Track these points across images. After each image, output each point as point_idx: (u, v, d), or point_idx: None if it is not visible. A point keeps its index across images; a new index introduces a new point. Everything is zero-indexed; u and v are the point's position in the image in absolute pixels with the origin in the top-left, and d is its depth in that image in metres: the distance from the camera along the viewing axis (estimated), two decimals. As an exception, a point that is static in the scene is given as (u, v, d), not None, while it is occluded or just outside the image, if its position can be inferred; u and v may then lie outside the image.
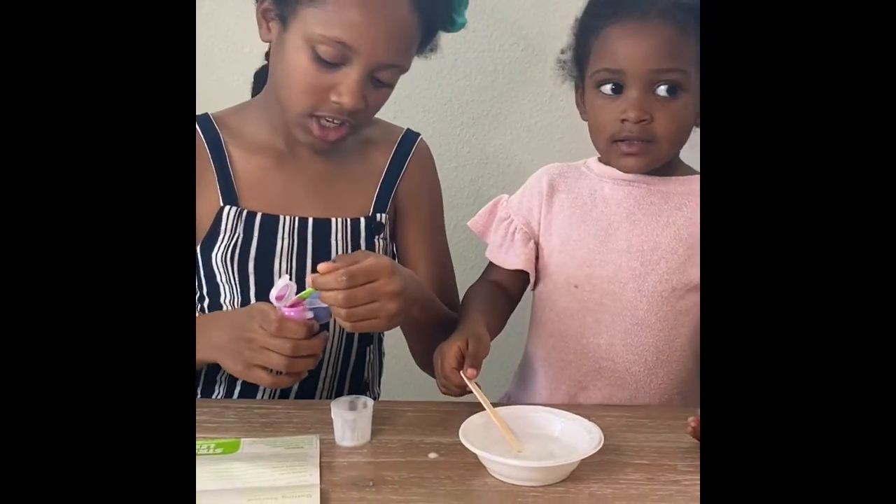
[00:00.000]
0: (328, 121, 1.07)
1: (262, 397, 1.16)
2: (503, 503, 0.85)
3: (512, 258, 1.16)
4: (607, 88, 1.06)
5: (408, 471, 0.91)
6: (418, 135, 1.25)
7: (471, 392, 0.98)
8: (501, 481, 0.89)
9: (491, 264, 1.20)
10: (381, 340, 1.31)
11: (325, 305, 0.96)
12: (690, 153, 1.11)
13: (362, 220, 1.17)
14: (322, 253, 1.15)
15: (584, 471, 0.90)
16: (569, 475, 0.89)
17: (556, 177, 1.17)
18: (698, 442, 0.96)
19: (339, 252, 1.15)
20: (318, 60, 1.03)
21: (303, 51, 1.03)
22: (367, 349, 1.24)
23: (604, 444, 0.91)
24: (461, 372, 0.97)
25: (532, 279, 1.17)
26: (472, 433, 0.92)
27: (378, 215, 1.19)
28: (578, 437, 0.94)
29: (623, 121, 1.06)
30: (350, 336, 1.20)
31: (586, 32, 1.10)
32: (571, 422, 0.96)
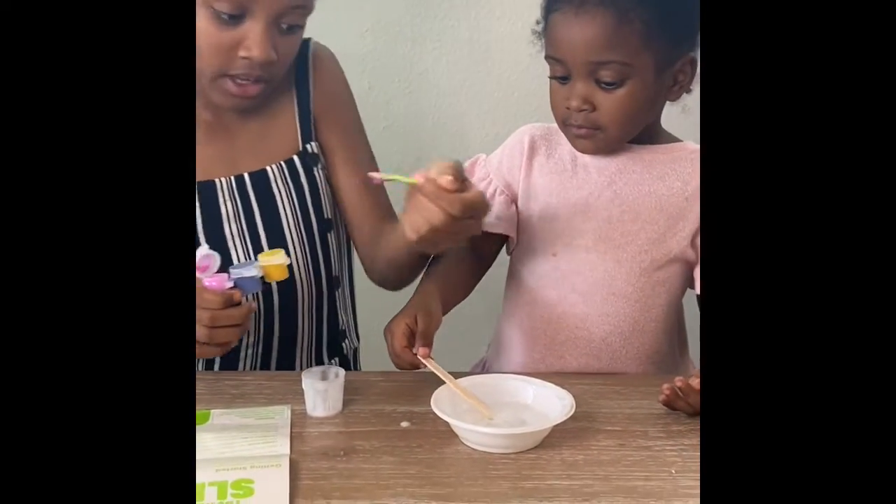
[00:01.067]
0: (243, 79, 1.04)
1: (243, 368, 1.16)
2: (475, 470, 0.84)
3: (493, 220, 1.14)
4: (556, 73, 1.05)
5: (379, 440, 0.90)
6: (308, 40, 1.17)
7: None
8: (473, 449, 0.88)
9: None
10: (351, 283, 1.29)
11: (252, 276, 0.96)
12: (685, 120, 1.09)
13: (295, 157, 1.15)
14: (267, 206, 1.12)
15: (556, 437, 0.90)
16: (540, 442, 0.89)
17: (537, 137, 1.14)
18: (671, 409, 0.96)
19: (286, 203, 1.14)
20: (218, 18, 0.99)
21: (201, 11, 0.99)
22: (336, 294, 1.22)
23: (576, 412, 0.90)
24: (413, 350, 0.98)
25: (514, 239, 1.16)
26: (444, 402, 0.92)
27: (308, 146, 1.16)
28: (550, 404, 0.94)
29: (568, 108, 1.04)
30: (318, 283, 1.18)
31: (543, 13, 1.08)
32: (543, 389, 0.96)
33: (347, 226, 1.21)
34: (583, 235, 1.10)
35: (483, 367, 1.22)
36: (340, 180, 1.19)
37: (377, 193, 1.20)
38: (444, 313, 1.07)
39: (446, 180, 0.88)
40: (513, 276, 1.18)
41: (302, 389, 0.96)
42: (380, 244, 1.15)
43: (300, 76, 1.17)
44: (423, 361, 0.97)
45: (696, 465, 0.85)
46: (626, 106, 1.03)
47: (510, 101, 1.67)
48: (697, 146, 1.10)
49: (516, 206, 1.14)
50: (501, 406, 0.95)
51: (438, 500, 0.79)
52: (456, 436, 0.91)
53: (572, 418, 0.90)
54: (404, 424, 0.94)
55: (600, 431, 0.93)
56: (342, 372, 0.97)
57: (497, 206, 1.13)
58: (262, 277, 0.99)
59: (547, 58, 1.05)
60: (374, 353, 1.43)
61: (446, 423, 0.90)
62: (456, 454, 0.88)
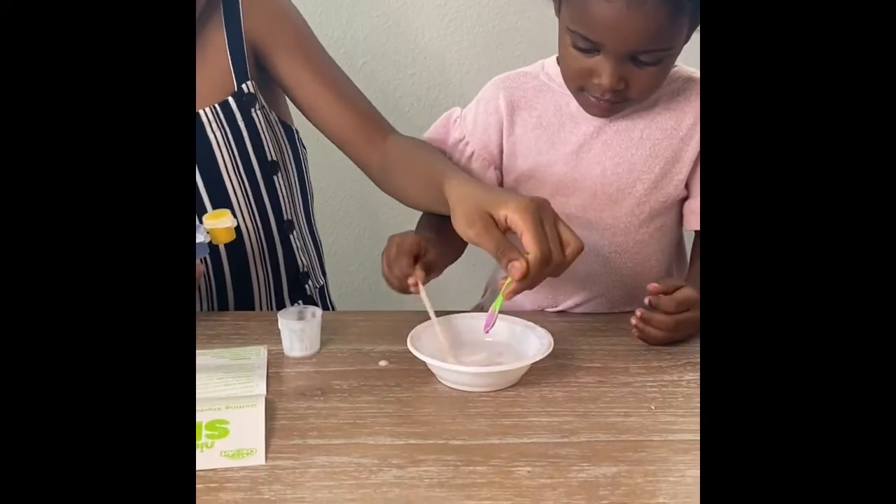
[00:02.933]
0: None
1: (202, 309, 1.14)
2: (453, 409, 0.84)
3: None
4: (579, 46, 0.95)
5: (357, 379, 0.89)
6: None
7: (412, 293, 0.94)
8: (452, 388, 0.87)
9: None
10: (309, 223, 1.26)
11: (199, 241, 0.94)
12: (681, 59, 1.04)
13: (230, 99, 1.09)
14: (204, 153, 1.08)
15: (535, 375, 0.89)
16: (519, 380, 0.88)
17: (513, 91, 1.07)
18: (648, 345, 0.95)
19: (223, 148, 1.09)
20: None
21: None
22: (291, 237, 1.19)
23: (556, 349, 0.90)
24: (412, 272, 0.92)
25: None
26: (421, 340, 0.91)
27: (244, 86, 1.10)
28: (529, 342, 0.93)
29: (595, 83, 0.97)
30: (267, 230, 1.15)
31: None
32: (522, 328, 0.95)
33: (342, 148, 1.15)
34: (576, 194, 1.06)
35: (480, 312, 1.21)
36: (314, 105, 1.12)
37: (357, 102, 1.13)
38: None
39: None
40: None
41: (278, 330, 0.94)
42: (403, 183, 1.08)
43: (230, 12, 1.10)
44: (418, 286, 0.92)
45: (676, 401, 0.85)
46: (658, 80, 0.99)
47: (492, 35, 1.63)
48: (688, 71, 1.06)
49: (497, 170, 1.10)
50: (480, 345, 0.94)
51: (416, 439, 0.78)
52: (434, 375, 0.90)
53: (552, 355, 0.89)
54: (382, 364, 0.93)
55: (580, 368, 0.92)
56: (319, 312, 0.95)
57: (475, 172, 1.08)
58: (209, 242, 0.96)
59: (572, 31, 0.95)
60: (345, 292, 1.42)
61: (424, 363, 0.89)
62: (434, 393, 0.87)
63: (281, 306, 1.18)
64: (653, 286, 0.93)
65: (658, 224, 1.07)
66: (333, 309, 1.28)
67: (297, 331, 0.93)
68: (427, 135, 1.14)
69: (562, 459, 0.75)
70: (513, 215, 0.84)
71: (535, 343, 0.91)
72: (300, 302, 1.21)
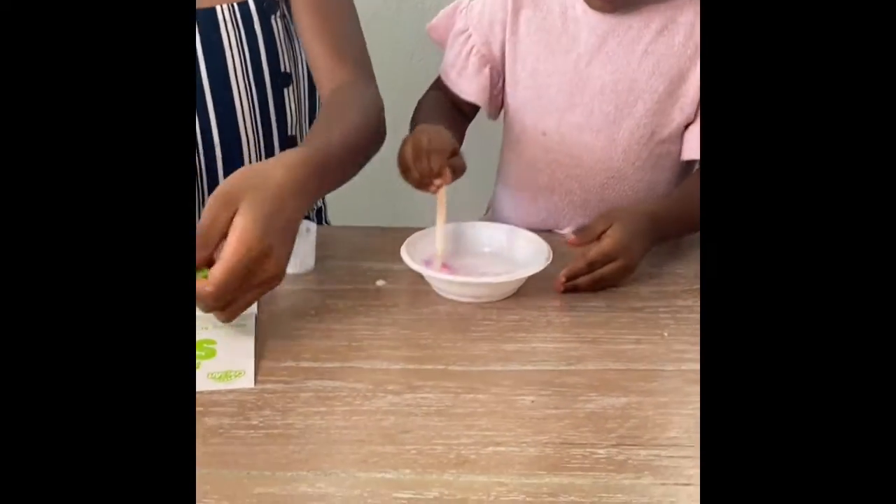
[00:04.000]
0: None
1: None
2: (454, 332, 0.79)
3: (464, 84, 1.04)
4: None
5: (353, 299, 0.85)
6: None
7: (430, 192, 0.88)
8: (452, 309, 0.83)
9: None
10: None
11: None
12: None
13: (250, 1, 1.01)
14: (213, 52, 1.00)
15: (540, 298, 0.85)
16: (520, 297, 0.85)
17: None
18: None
19: (235, 51, 1.00)
20: None
21: None
22: None
23: (561, 272, 0.85)
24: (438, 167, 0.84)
25: (487, 110, 1.06)
26: (416, 248, 0.87)
27: None
28: (528, 253, 0.89)
29: None
30: (269, 143, 1.07)
31: None
32: (524, 240, 0.91)
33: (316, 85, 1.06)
34: (573, 111, 0.99)
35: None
36: (296, 20, 1.04)
37: (339, 37, 1.03)
38: None
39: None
40: (504, 156, 1.10)
41: (271, 245, 0.89)
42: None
43: None
44: (441, 188, 0.85)
45: (690, 328, 0.80)
46: None
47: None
48: None
49: (498, 73, 1.03)
50: (481, 256, 0.91)
51: (414, 363, 0.74)
52: (434, 294, 0.85)
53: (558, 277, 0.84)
54: (380, 283, 0.88)
55: (588, 293, 0.87)
56: (314, 227, 0.90)
57: (471, 67, 1.02)
58: None
59: None
60: (342, 203, 1.35)
61: (426, 283, 0.85)
62: (434, 315, 0.82)
63: None
64: (570, 239, 0.89)
65: (662, 151, 1.01)
66: (327, 223, 1.22)
67: (291, 247, 0.88)
68: (432, 22, 1.08)
69: (568, 389, 0.71)
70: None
71: (535, 254, 0.88)
72: None
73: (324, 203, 1.22)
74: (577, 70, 0.99)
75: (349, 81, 0.98)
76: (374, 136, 0.93)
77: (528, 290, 0.86)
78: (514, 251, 0.91)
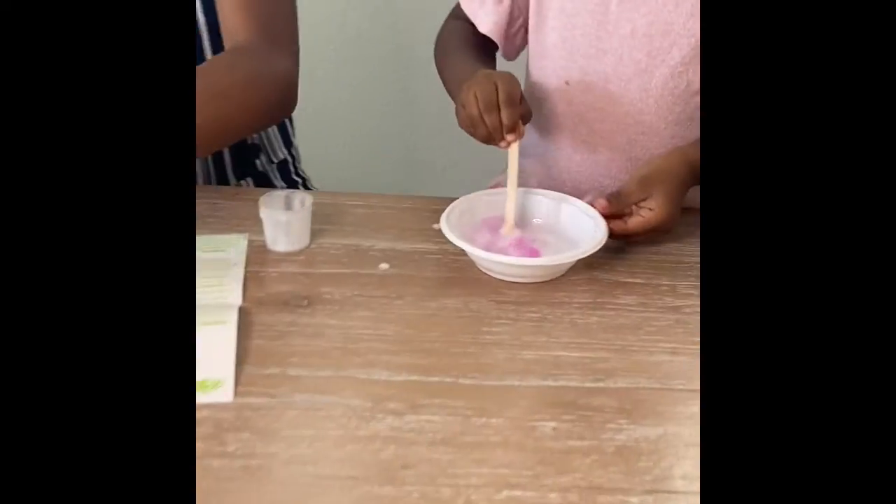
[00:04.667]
0: None
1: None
2: (465, 334, 0.69)
3: (482, 16, 0.93)
4: None
5: (351, 287, 0.75)
6: None
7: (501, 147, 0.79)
8: (463, 304, 0.73)
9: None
10: None
11: None
12: None
13: None
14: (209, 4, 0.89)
15: (565, 290, 0.75)
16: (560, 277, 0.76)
17: None
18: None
19: None
20: None
21: None
22: None
23: (589, 258, 0.75)
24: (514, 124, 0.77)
25: (503, 49, 0.95)
26: (457, 221, 0.78)
27: None
28: (579, 226, 0.81)
29: None
30: None
31: None
32: (573, 210, 0.83)
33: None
34: (600, 58, 0.88)
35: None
36: None
37: (260, 5, 0.88)
38: None
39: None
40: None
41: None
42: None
43: None
44: (516, 137, 0.78)
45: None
46: None
47: None
48: None
49: (516, 6, 0.92)
50: (531, 228, 0.84)
51: (419, 374, 0.65)
52: (446, 287, 0.75)
53: (585, 265, 0.75)
54: (383, 267, 0.78)
55: (618, 285, 0.77)
56: (309, 200, 0.79)
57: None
58: None
59: None
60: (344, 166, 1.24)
61: (435, 268, 0.75)
62: (443, 310, 0.72)
63: (223, 182, 1.00)
64: (601, 205, 0.80)
65: (698, 104, 0.89)
66: (307, 188, 1.10)
67: (283, 223, 0.78)
68: None
69: (595, 413, 0.62)
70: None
71: (585, 229, 0.80)
72: (248, 181, 1.03)
73: (294, 157, 1.10)
74: (605, 10, 0.86)
75: (250, 44, 0.85)
76: (254, 110, 0.83)
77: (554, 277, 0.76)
78: (560, 222, 0.83)
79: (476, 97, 0.77)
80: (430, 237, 0.81)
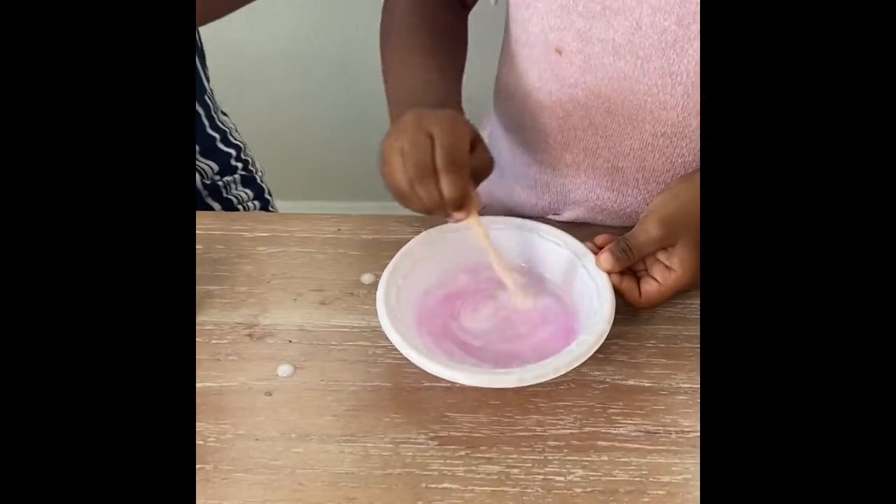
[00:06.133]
0: None
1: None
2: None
3: None
4: None
5: (228, 416, 0.52)
6: None
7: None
8: (395, 450, 0.51)
9: None
10: None
11: None
12: None
13: None
14: None
15: (539, 404, 0.52)
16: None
17: None
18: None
19: None
20: None
21: None
22: None
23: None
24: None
25: None
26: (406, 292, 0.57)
27: None
28: (584, 299, 0.57)
29: None
30: None
31: None
32: (567, 254, 0.59)
33: None
34: (608, 20, 0.59)
35: None
36: None
37: None
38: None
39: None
40: (502, 74, 0.71)
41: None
42: None
43: None
44: (464, 216, 0.54)
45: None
46: None
47: None
48: None
49: None
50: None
51: None
52: (370, 411, 0.53)
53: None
54: (283, 371, 0.55)
55: (617, 392, 0.54)
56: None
57: None
58: None
59: None
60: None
61: (359, 368, 0.52)
62: (361, 460, 0.51)
63: None
64: (602, 259, 0.57)
65: None
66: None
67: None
68: None
69: None
70: None
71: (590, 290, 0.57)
72: None
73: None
74: None
75: None
76: None
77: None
78: (538, 263, 0.61)
79: (401, 158, 0.51)
80: (358, 300, 0.59)
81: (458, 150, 0.51)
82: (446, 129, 0.52)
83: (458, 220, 0.54)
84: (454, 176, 0.50)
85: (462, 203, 0.52)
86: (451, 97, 0.60)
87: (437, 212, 0.53)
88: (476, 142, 0.54)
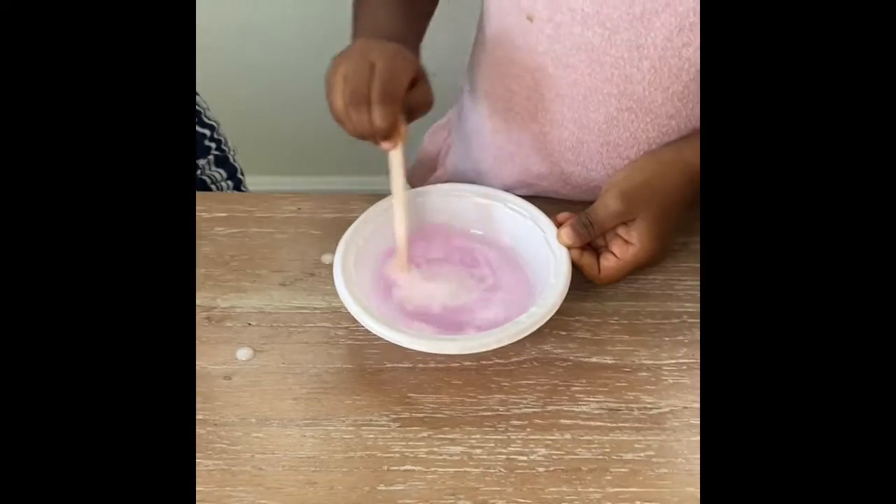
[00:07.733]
0: None
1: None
2: (351, 489, 0.48)
3: None
4: None
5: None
6: None
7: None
8: (356, 433, 0.50)
9: None
10: None
11: None
12: None
13: None
14: None
15: (502, 383, 0.52)
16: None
17: None
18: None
19: None
20: None
21: None
22: None
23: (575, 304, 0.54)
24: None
25: None
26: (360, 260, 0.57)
27: None
28: (538, 256, 0.58)
29: None
30: None
31: None
32: (530, 225, 0.59)
33: None
34: None
35: (447, 139, 0.78)
36: None
37: None
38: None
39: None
40: (476, 44, 0.69)
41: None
42: None
43: None
44: (392, 146, 0.54)
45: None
46: None
47: None
48: None
49: None
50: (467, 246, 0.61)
51: None
52: (332, 393, 0.52)
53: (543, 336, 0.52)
54: (242, 355, 0.54)
55: (578, 369, 0.54)
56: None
57: None
58: None
59: None
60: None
61: (322, 349, 0.51)
62: (324, 442, 0.50)
63: None
64: (564, 234, 0.57)
65: None
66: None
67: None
68: None
69: None
70: None
71: (549, 262, 0.57)
72: None
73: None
74: None
75: None
76: None
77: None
78: (498, 230, 0.61)
79: (342, 81, 0.52)
80: (320, 280, 0.58)
81: (394, 82, 0.52)
82: (388, 60, 0.53)
83: (385, 150, 0.55)
84: (386, 107, 0.51)
85: (390, 134, 0.53)
86: (409, 40, 0.61)
87: (367, 138, 0.54)
88: (419, 78, 0.54)
